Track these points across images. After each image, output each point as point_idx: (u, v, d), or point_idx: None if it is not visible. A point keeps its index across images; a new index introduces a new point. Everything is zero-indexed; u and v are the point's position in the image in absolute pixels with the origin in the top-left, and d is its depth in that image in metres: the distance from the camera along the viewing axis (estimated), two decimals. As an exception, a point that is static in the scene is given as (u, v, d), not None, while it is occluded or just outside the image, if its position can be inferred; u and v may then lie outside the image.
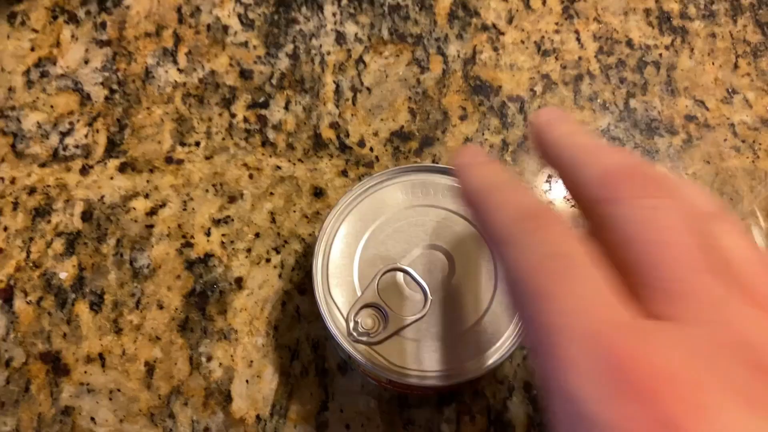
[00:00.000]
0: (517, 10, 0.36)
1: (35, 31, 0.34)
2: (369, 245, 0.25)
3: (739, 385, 0.11)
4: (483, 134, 0.33)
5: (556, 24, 0.36)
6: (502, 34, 0.35)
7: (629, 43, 0.35)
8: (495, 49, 0.35)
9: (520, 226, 0.15)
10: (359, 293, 0.24)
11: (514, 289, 0.15)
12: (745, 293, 0.13)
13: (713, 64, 0.35)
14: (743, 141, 0.33)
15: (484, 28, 0.35)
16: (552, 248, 0.14)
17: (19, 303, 0.29)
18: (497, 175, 0.17)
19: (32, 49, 0.34)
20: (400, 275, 0.25)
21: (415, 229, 0.26)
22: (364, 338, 0.23)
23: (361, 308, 0.24)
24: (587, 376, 0.12)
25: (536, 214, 0.15)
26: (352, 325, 0.24)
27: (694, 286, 0.13)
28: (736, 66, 0.35)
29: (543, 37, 0.35)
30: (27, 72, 0.33)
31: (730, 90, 0.34)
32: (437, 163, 0.32)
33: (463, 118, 0.33)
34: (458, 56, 0.35)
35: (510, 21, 0.36)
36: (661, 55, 0.35)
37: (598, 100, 0.34)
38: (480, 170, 0.18)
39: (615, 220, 0.14)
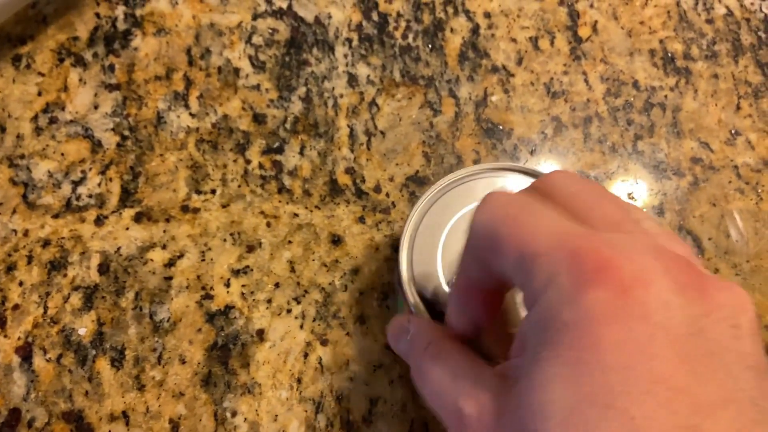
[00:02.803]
0: (526, 51, 0.36)
1: (41, 74, 0.33)
2: (452, 235, 0.26)
3: (672, 271, 0.15)
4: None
5: (564, 65, 0.36)
6: (512, 75, 0.36)
7: (635, 85, 0.36)
8: (506, 91, 0.35)
9: (479, 204, 0.19)
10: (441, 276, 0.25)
11: (487, 235, 0.18)
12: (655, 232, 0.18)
13: (716, 105, 0.36)
14: (747, 183, 0.34)
15: (495, 69, 0.36)
16: (508, 199, 0.18)
17: (38, 361, 0.28)
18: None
19: (39, 94, 0.33)
20: None
21: None
22: None
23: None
24: (559, 262, 0.15)
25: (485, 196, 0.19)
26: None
27: (622, 225, 0.17)
28: (738, 107, 0.36)
29: (552, 78, 0.36)
30: (35, 118, 0.32)
31: (733, 131, 0.35)
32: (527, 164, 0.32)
33: (476, 161, 0.34)
34: (470, 98, 0.35)
35: (519, 62, 0.36)
36: (666, 96, 0.36)
37: (608, 143, 0.35)
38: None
39: (554, 186, 0.19)
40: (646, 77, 0.36)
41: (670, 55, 0.37)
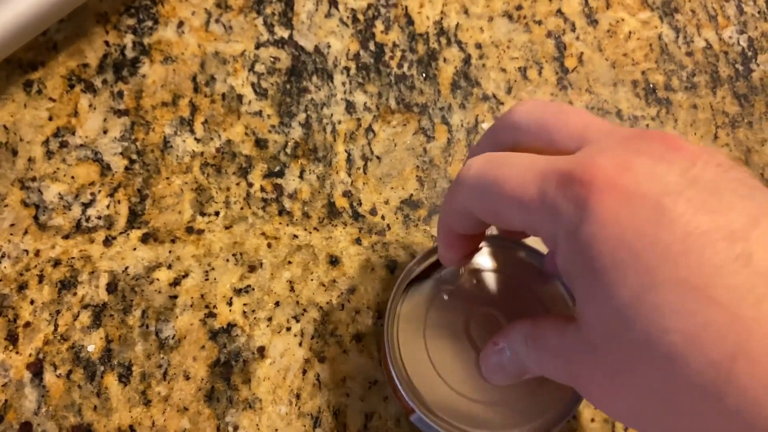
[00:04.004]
0: (515, 81, 0.38)
1: (52, 100, 0.35)
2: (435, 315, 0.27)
3: (645, 150, 0.17)
4: (487, 202, 0.35)
5: (552, 94, 0.38)
6: (502, 104, 0.38)
7: (619, 114, 0.38)
8: (496, 119, 0.37)
9: (462, 169, 0.21)
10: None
11: (480, 198, 0.20)
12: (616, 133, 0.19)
13: (695, 134, 0.38)
14: (724, 208, 0.36)
15: (485, 98, 0.38)
16: (488, 156, 0.20)
17: (49, 376, 0.30)
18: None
19: (50, 119, 0.34)
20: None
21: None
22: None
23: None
24: (552, 197, 0.17)
25: (468, 161, 0.21)
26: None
27: (587, 137, 0.19)
28: (716, 136, 0.38)
29: (540, 107, 0.38)
30: (46, 142, 0.34)
31: (711, 160, 0.37)
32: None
33: (467, 186, 0.35)
34: (462, 125, 0.37)
35: (509, 91, 0.38)
36: (648, 125, 0.38)
37: (592, 169, 0.36)
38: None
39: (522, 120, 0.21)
40: (629, 107, 0.38)
41: (651, 86, 0.39)
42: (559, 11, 0.40)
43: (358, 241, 0.34)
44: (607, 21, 0.40)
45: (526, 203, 0.18)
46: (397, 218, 0.34)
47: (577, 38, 0.40)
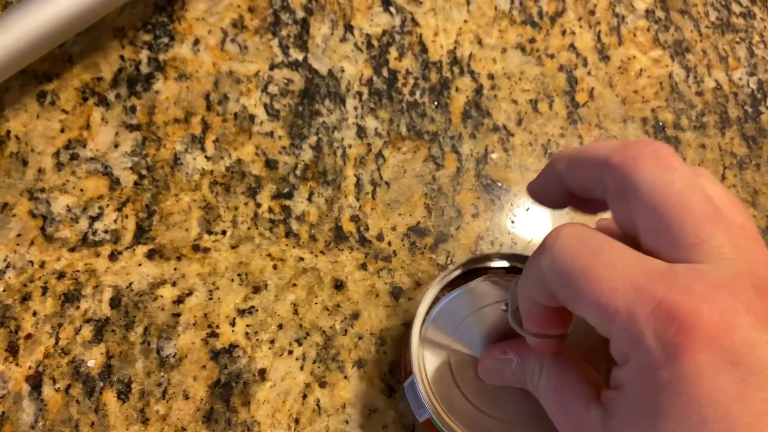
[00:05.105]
0: (526, 113, 0.38)
1: (65, 112, 0.35)
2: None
3: (753, 307, 0.16)
4: (493, 233, 0.35)
5: (562, 128, 0.38)
6: (512, 135, 0.38)
7: (628, 150, 0.38)
8: (505, 150, 0.37)
9: (550, 236, 0.19)
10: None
11: (560, 281, 0.18)
12: (737, 231, 0.17)
13: (703, 174, 0.38)
14: (729, 249, 0.36)
15: (495, 128, 0.38)
16: (580, 234, 0.18)
17: (47, 390, 0.29)
18: None
19: (62, 131, 0.34)
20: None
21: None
22: None
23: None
24: (642, 324, 0.16)
25: (557, 228, 0.19)
26: None
27: (706, 235, 0.17)
28: (723, 177, 0.38)
29: (549, 140, 0.38)
30: (57, 153, 0.34)
31: (718, 200, 0.37)
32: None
33: (475, 216, 0.35)
34: (471, 155, 0.37)
35: (519, 123, 0.38)
36: (656, 163, 0.38)
37: (600, 204, 0.36)
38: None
39: (639, 185, 0.18)
40: (638, 143, 0.38)
41: (661, 123, 0.39)
42: (572, 46, 0.40)
43: (363, 267, 0.34)
44: (619, 58, 0.41)
45: (609, 315, 0.17)
46: (403, 245, 0.34)
47: (589, 73, 0.40)
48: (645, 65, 0.41)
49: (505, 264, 0.30)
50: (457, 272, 0.29)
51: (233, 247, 0.33)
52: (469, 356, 0.27)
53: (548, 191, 0.23)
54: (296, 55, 0.38)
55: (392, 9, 0.40)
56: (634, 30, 0.42)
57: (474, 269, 0.30)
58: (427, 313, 0.28)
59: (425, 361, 0.27)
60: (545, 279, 0.19)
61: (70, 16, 0.33)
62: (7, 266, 0.31)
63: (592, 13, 0.42)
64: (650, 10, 0.42)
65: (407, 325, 0.32)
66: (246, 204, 0.34)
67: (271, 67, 0.37)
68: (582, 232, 0.19)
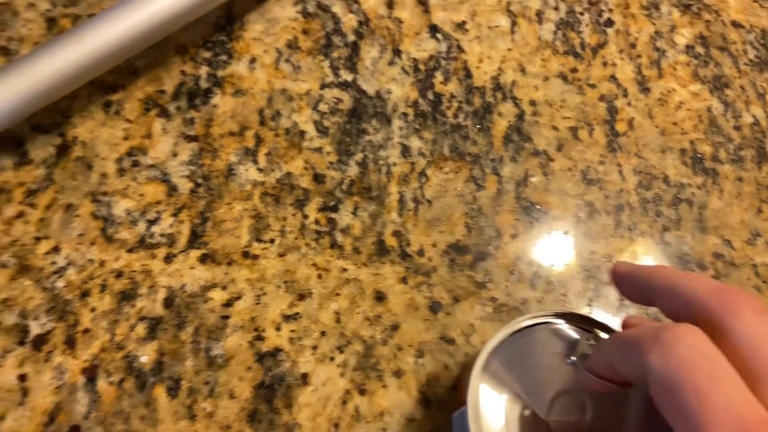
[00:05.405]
0: (566, 140, 0.40)
1: (129, 121, 0.37)
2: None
3: None
4: (531, 254, 0.36)
5: (601, 156, 0.39)
6: (552, 160, 0.39)
7: (666, 180, 0.39)
8: (545, 174, 0.38)
9: (670, 335, 0.18)
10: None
11: (665, 389, 0.18)
12: None
13: (740, 206, 0.39)
14: (764, 281, 0.37)
15: (536, 153, 0.39)
16: (703, 352, 0.18)
17: (101, 383, 0.31)
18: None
19: (125, 138, 0.36)
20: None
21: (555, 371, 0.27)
22: None
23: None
24: None
25: (679, 329, 0.18)
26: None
27: None
28: (759, 210, 0.39)
29: (589, 166, 0.39)
30: (119, 160, 0.36)
31: (754, 232, 0.38)
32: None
33: (513, 236, 0.37)
34: (511, 177, 0.38)
35: (559, 149, 0.39)
36: (693, 193, 0.39)
37: (637, 231, 0.37)
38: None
39: (737, 330, 0.18)
40: (676, 174, 0.39)
41: (699, 155, 0.40)
42: (613, 77, 0.42)
43: (404, 280, 0.35)
44: (659, 90, 0.42)
45: None
46: (443, 261, 0.36)
47: (629, 104, 0.41)
48: (684, 98, 0.42)
49: (579, 325, 0.29)
50: (529, 322, 0.29)
51: (281, 256, 0.35)
52: (523, 401, 0.27)
53: (632, 295, 0.23)
54: (346, 76, 0.40)
55: (439, 35, 0.42)
56: (674, 64, 0.43)
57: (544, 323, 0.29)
58: (493, 351, 0.28)
59: (480, 397, 0.27)
60: (646, 373, 0.18)
61: (139, 33, 0.35)
62: (69, 264, 0.33)
63: (633, 46, 0.43)
64: (690, 46, 0.44)
65: (468, 357, 0.33)
66: (294, 215, 0.36)
67: (322, 87, 0.39)
68: (706, 348, 0.18)
